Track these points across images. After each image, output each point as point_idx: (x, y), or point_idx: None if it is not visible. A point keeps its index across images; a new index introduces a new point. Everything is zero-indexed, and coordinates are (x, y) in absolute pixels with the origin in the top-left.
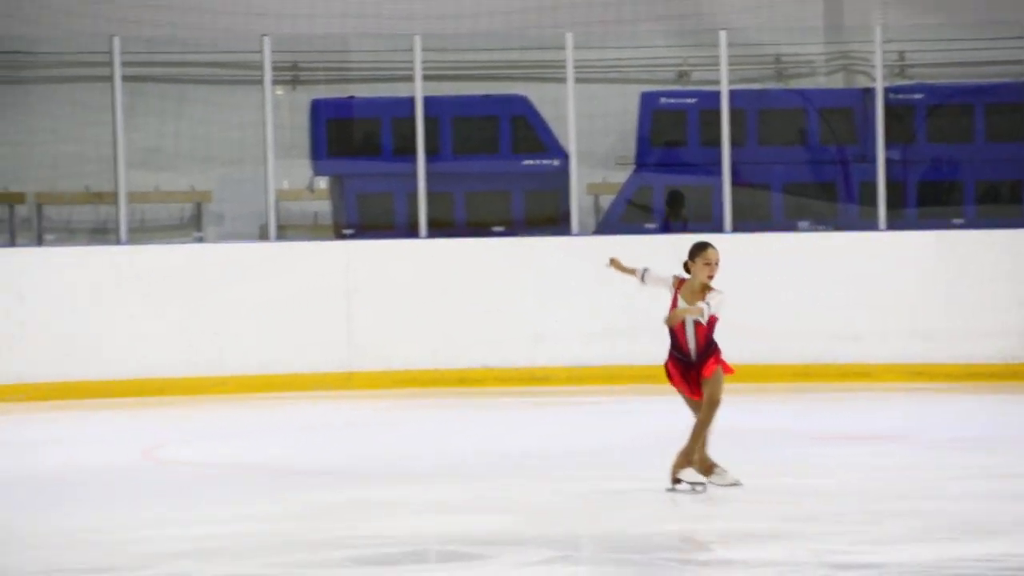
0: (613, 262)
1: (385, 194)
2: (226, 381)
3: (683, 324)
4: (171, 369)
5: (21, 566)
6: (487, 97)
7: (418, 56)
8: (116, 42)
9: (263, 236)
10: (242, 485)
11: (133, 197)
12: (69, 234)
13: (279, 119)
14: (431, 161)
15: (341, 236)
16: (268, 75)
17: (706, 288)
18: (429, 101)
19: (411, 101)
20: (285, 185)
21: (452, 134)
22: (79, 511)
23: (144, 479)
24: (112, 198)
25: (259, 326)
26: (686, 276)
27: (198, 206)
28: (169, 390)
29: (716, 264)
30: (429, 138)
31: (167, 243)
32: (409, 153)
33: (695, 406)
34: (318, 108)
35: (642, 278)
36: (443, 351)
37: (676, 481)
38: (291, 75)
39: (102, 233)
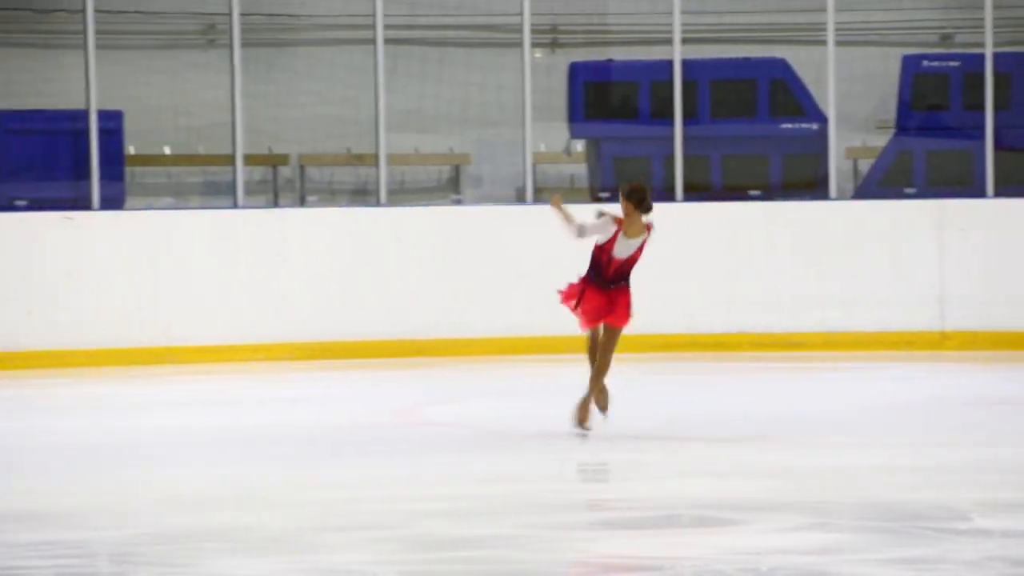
0: (555, 202)
1: (641, 158)
2: (477, 343)
3: (611, 252)
4: (426, 330)
5: (284, 524)
6: (746, 60)
7: (677, 19)
8: (379, 4)
9: (520, 199)
10: (495, 446)
11: (393, 159)
12: (330, 195)
13: (537, 82)
14: (688, 124)
15: (597, 199)
16: (527, 38)
17: (645, 228)
18: (687, 64)
19: (669, 64)
20: (542, 148)
21: (710, 97)
22: (336, 470)
23: (399, 439)
24: (372, 160)
25: (515, 288)
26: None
27: (456, 168)
28: (425, 351)
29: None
30: (686, 101)
31: (425, 205)
32: (666, 116)
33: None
34: (576, 71)
35: (580, 233)
36: (698, 315)
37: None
38: (550, 38)
39: (362, 195)
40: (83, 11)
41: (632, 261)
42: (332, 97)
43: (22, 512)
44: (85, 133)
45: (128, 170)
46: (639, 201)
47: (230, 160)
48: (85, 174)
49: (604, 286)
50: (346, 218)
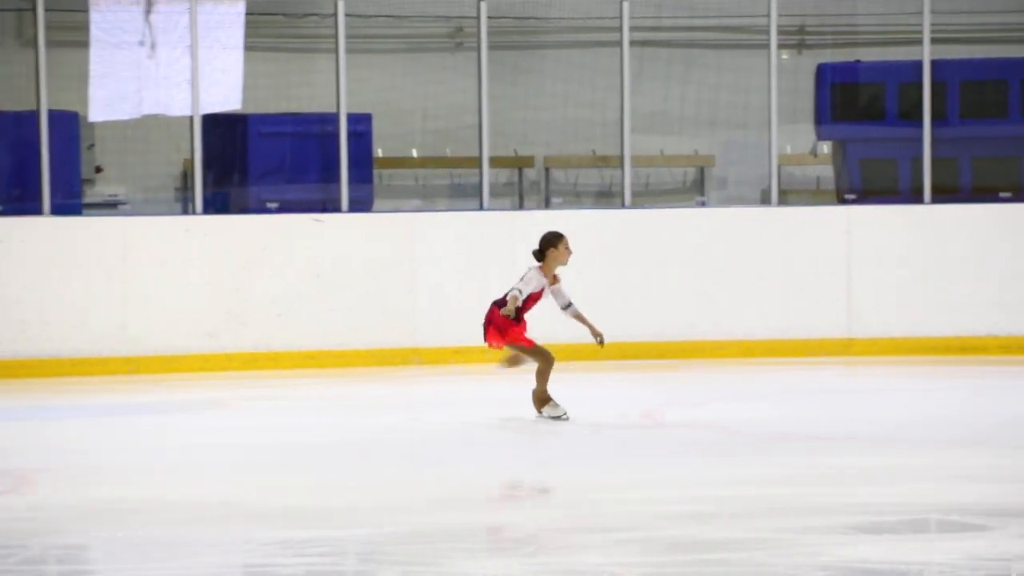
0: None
1: (888, 160)
2: (721, 345)
3: (534, 301)
4: (670, 332)
5: (529, 525)
6: (996, 60)
7: (927, 19)
8: (625, 7)
9: (765, 201)
10: (737, 449)
11: (637, 161)
12: (575, 197)
13: (784, 83)
14: (937, 126)
15: (843, 201)
16: (774, 39)
17: (554, 275)
18: (936, 65)
19: (917, 65)
20: (788, 150)
21: (959, 98)
22: (582, 472)
23: (645, 441)
24: (617, 162)
25: (757, 291)
26: (539, 263)
27: (701, 170)
28: (668, 353)
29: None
30: (935, 102)
31: (669, 207)
32: (913, 118)
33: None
34: (823, 72)
35: (519, 298)
36: (934, 319)
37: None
38: (797, 39)
39: (606, 197)
40: (334, 15)
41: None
42: (577, 99)
43: (275, 510)
44: (335, 136)
45: (376, 172)
46: (557, 237)
47: (476, 163)
48: (334, 177)
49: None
50: (590, 220)
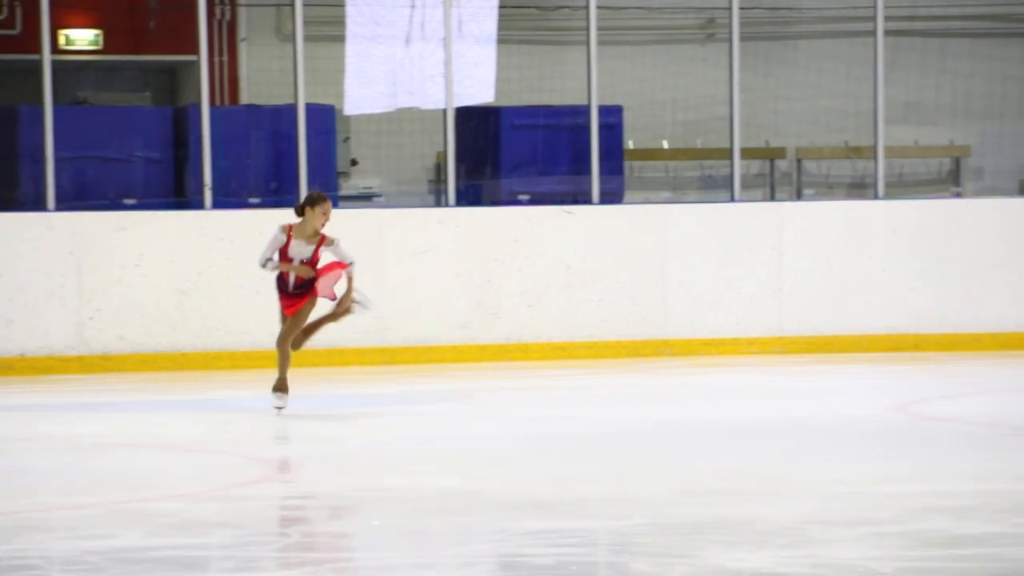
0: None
1: None
2: (977, 338)
3: (284, 259)
4: (925, 324)
5: (781, 517)
6: None
7: None
8: None
9: (1023, 191)
10: (994, 443)
11: (891, 152)
12: (827, 188)
13: None
14: None
15: None
16: None
17: (318, 233)
18: None
19: None
20: None
21: None
22: (833, 465)
23: (896, 434)
24: (870, 153)
25: (1015, 283)
26: (295, 221)
27: (956, 161)
28: (923, 345)
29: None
30: None
31: (924, 198)
32: None
33: (285, 318)
34: None
35: (267, 262)
36: None
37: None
38: None
39: (859, 188)
40: (586, 7)
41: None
42: (830, 90)
43: (525, 501)
44: (586, 128)
45: (627, 164)
46: (316, 199)
47: (727, 154)
48: (585, 169)
49: (285, 290)
50: (843, 211)
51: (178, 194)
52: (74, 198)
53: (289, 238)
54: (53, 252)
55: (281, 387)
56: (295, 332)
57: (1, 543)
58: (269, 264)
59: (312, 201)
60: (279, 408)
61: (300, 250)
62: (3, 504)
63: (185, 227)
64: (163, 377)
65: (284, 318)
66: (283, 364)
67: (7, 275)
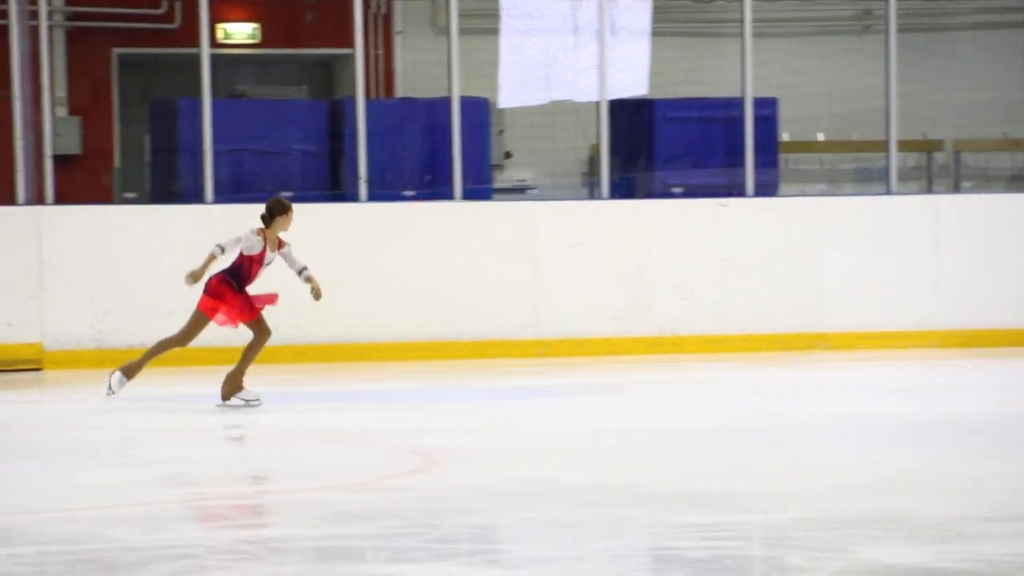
0: (193, 277)
1: None
2: None
3: (259, 263)
4: None
5: (936, 512)
6: None
7: None
8: None
9: None
10: None
11: None
12: (985, 181)
13: None
14: None
15: None
16: None
17: (279, 239)
18: None
19: None
20: None
21: None
22: (989, 460)
23: None
24: None
25: None
26: (261, 227)
27: None
28: None
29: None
30: None
31: None
32: None
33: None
34: None
35: (222, 251)
36: None
37: (227, 398)
38: None
39: (1019, 180)
40: (740, 0)
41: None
42: (989, 81)
43: (678, 494)
44: (740, 120)
45: (782, 157)
46: (284, 207)
47: (883, 147)
48: (739, 161)
49: (237, 288)
50: (1001, 205)
51: (333, 187)
52: (232, 191)
53: (266, 240)
54: (211, 245)
55: (130, 372)
56: (186, 343)
57: (156, 532)
58: (221, 253)
59: (284, 208)
60: (110, 391)
61: (270, 256)
62: (159, 494)
63: (340, 219)
64: (312, 369)
65: (199, 318)
66: (148, 357)
67: (167, 267)
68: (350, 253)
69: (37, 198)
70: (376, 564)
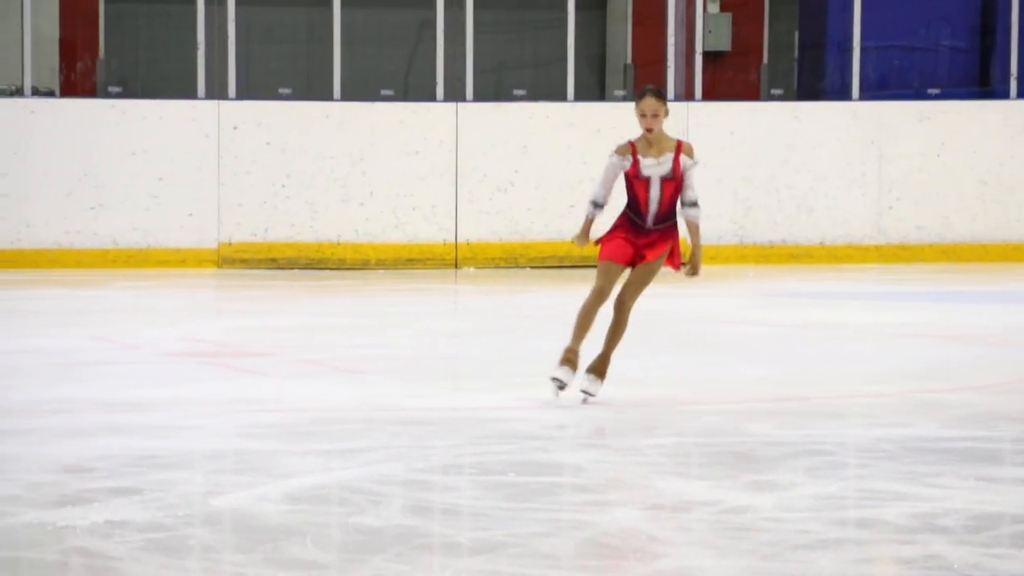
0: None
1: None
2: None
3: (647, 181)
4: None
5: None
6: None
7: None
8: None
9: None
10: None
11: None
12: None
13: None
14: None
15: None
16: None
17: (663, 139)
18: None
19: None
20: None
21: None
22: None
23: None
24: None
25: None
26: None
27: None
28: None
29: (652, 116)
30: None
31: None
32: None
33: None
34: None
35: (595, 206)
36: None
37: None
38: None
39: None
40: None
41: (668, 194)
42: None
43: None
44: None
45: None
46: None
47: None
48: None
49: (638, 225)
50: None
51: (982, 83)
52: (877, 87)
53: (636, 157)
54: (856, 141)
55: (569, 360)
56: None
57: (796, 428)
58: (599, 198)
59: (639, 95)
60: (559, 387)
61: (648, 164)
62: (802, 390)
63: (987, 117)
64: (961, 268)
65: (609, 268)
66: (579, 332)
67: (811, 163)
68: (998, 151)
69: (686, 94)
70: (1014, 467)
